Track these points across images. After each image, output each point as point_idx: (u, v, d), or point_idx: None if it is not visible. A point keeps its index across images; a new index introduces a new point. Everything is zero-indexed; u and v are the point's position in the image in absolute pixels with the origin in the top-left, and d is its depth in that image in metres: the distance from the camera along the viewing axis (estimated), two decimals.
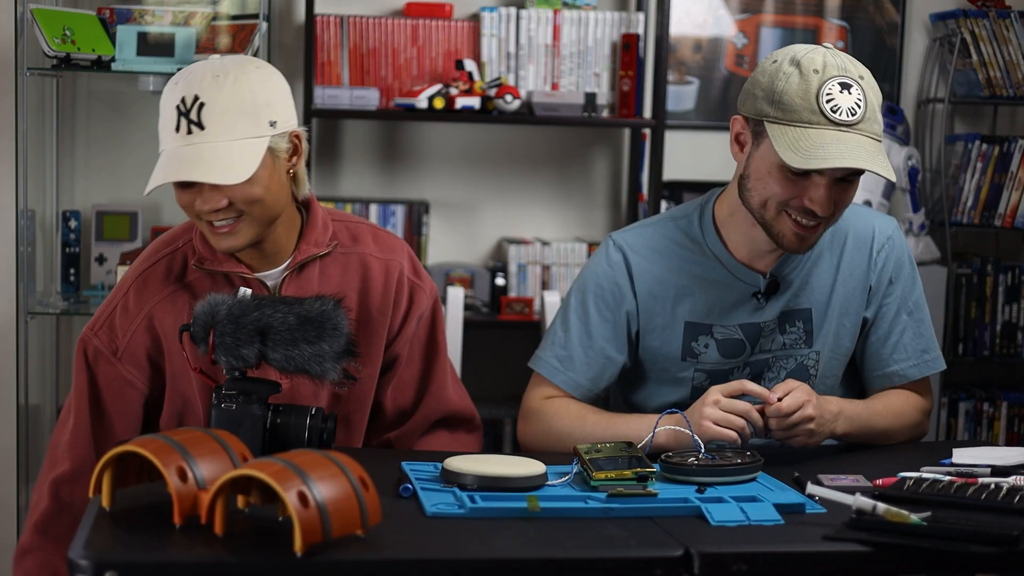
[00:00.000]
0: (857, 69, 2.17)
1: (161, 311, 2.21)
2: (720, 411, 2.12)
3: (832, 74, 2.13)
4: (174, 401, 2.23)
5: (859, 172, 2.16)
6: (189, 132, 2.07)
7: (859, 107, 2.13)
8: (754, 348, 2.33)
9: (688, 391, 2.36)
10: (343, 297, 2.07)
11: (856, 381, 2.46)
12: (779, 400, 2.14)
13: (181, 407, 2.24)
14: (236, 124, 2.08)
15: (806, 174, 2.15)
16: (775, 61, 2.18)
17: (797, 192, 2.16)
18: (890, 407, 2.33)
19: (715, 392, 2.15)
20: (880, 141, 2.17)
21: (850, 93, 2.13)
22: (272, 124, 2.11)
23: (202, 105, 2.07)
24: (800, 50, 2.17)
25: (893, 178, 2.16)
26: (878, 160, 2.13)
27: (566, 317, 2.37)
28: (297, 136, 2.16)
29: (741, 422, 2.12)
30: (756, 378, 2.34)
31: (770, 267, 2.31)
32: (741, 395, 2.16)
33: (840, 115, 2.12)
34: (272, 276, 2.22)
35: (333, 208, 2.32)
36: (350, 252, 2.27)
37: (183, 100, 2.08)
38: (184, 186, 2.10)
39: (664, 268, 2.33)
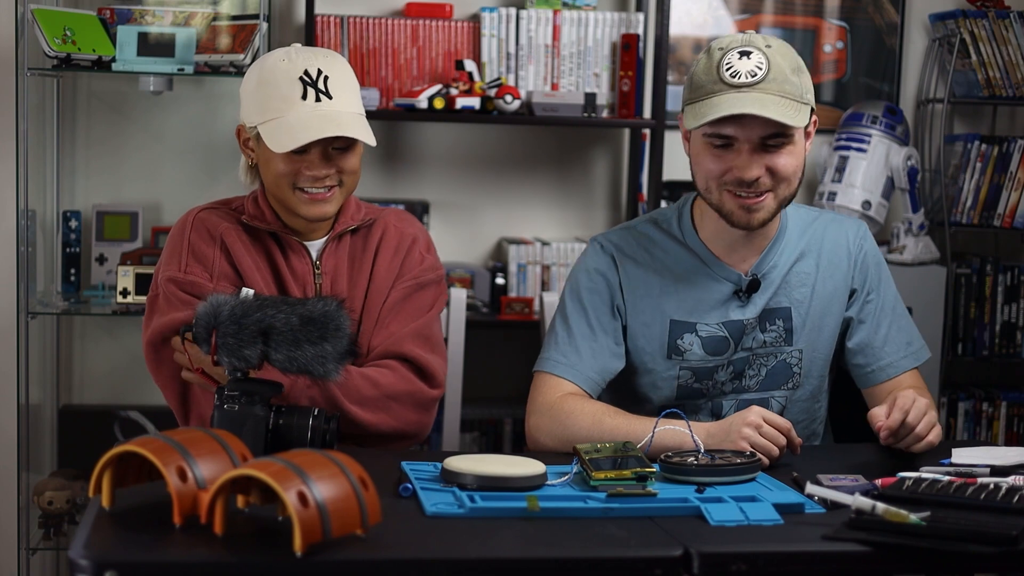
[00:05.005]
0: (767, 41, 2.26)
1: (230, 236, 2.37)
2: (760, 437, 2.12)
3: (733, 47, 2.25)
4: None
5: (776, 135, 2.23)
6: (318, 100, 2.29)
7: (760, 69, 2.22)
8: (737, 346, 2.37)
9: (673, 390, 2.39)
10: (344, 297, 2.08)
11: (843, 390, 2.50)
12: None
13: None
14: (352, 99, 2.34)
15: (729, 145, 2.24)
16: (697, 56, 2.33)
17: (725, 165, 2.26)
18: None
19: (758, 415, 2.14)
20: (794, 101, 2.24)
21: (749, 59, 2.24)
22: (363, 106, 2.38)
23: (327, 78, 2.30)
24: (718, 38, 2.32)
25: (790, 122, 2.21)
26: (774, 109, 2.21)
27: (565, 317, 2.39)
28: None
29: (775, 452, 2.12)
30: (738, 376, 2.38)
31: (751, 264, 2.37)
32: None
33: (739, 78, 2.22)
34: (313, 247, 2.40)
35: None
36: (378, 225, 2.46)
37: (307, 72, 2.29)
38: (296, 152, 2.28)
39: (648, 267, 2.39)
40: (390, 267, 2.42)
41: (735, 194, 2.26)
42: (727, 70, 2.23)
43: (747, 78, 2.22)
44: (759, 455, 2.08)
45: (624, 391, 2.43)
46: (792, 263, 2.39)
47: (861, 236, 2.45)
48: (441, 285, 2.48)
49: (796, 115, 2.22)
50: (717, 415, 2.39)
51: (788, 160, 2.26)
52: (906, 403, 2.12)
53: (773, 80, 2.22)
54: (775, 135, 2.23)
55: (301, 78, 2.28)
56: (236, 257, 2.35)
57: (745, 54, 2.24)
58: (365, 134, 2.30)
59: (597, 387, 2.36)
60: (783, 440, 2.13)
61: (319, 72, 2.30)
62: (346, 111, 2.31)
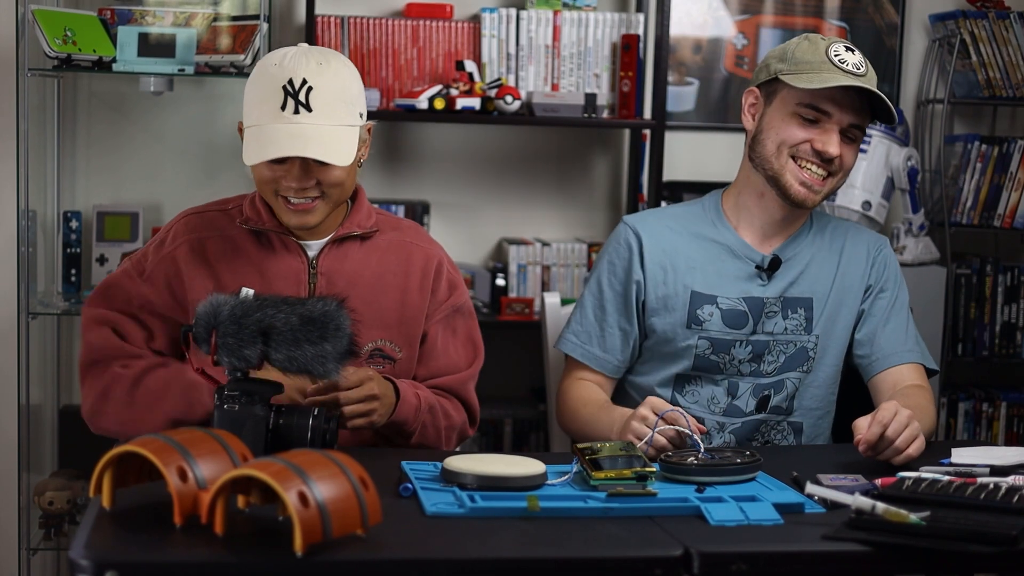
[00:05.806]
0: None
1: (214, 244, 2.33)
2: (645, 427, 2.15)
3: (835, 40, 2.42)
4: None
5: (857, 127, 2.40)
6: (296, 112, 2.22)
7: (863, 66, 2.40)
8: (756, 323, 2.45)
9: (691, 361, 2.46)
10: (346, 297, 2.08)
11: (851, 387, 2.54)
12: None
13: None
14: (337, 110, 2.25)
15: (815, 122, 2.38)
16: (787, 41, 2.46)
17: (809, 136, 2.39)
18: (921, 409, 2.33)
19: (647, 406, 2.18)
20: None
21: (854, 54, 2.40)
22: (360, 115, 2.31)
23: (310, 89, 2.23)
24: (805, 32, 2.50)
25: (895, 119, 2.41)
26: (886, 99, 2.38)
27: (583, 296, 2.55)
28: (369, 129, 2.36)
29: (662, 441, 2.13)
30: (757, 358, 2.46)
31: (774, 248, 2.49)
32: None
33: (847, 67, 2.38)
34: (313, 247, 2.36)
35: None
36: (392, 238, 2.43)
37: (291, 81, 2.23)
38: (275, 161, 2.24)
39: (675, 239, 2.50)
40: (421, 292, 2.41)
41: (801, 167, 2.40)
42: (835, 56, 2.38)
43: (855, 69, 2.37)
44: (643, 446, 2.09)
45: (646, 359, 2.52)
46: (813, 254, 2.50)
47: (882, 243, 2.59)
48: (470, 304, 2.52)
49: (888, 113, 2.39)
50: (733, 395, 2.47)
51: (853, 155, 2.42)
52: (886, 416, 2.10)
53: (870, 80, 2.39)
54: (856, 127, 2.40)
55: (284, 87, 2.22)
56: (216, 269, 2.32)
57: (850, 49, 2.40)
58: (334, 154, 2.22)
59: (608, 364, 2.51)
60: (671, 431, 2.13)
61: (303, 82, 2.22)
62: (323, 125, 2.23)
